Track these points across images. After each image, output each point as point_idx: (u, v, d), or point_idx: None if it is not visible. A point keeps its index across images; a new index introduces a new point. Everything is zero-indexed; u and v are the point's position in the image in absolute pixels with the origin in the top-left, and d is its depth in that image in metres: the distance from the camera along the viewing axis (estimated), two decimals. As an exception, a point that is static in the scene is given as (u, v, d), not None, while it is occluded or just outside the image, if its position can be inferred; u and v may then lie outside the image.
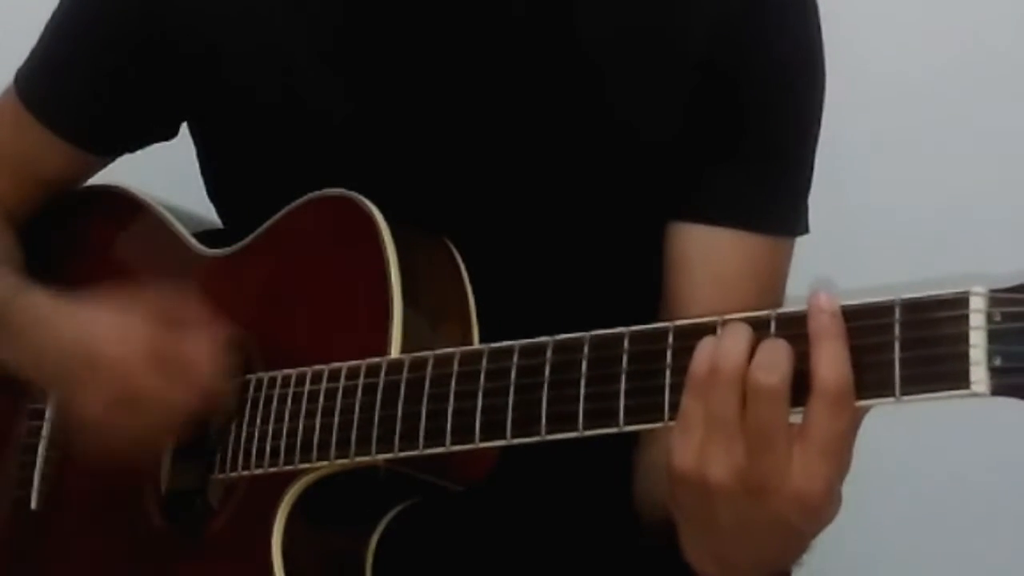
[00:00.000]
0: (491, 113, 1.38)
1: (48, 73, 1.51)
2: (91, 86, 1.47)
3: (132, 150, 1.54)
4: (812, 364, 1.03)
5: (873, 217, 1.97)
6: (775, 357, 1.04)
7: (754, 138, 1.37)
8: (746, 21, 1.35)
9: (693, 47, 1.35)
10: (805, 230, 1.42)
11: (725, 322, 1.09)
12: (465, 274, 1.35)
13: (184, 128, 1.51)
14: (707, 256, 1.37)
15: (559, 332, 1.18)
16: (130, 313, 1.32)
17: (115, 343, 1.31)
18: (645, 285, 1.41)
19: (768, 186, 1.38)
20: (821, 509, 1.05)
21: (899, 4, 1.96)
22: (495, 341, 1.23)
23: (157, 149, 1.54)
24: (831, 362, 1.03)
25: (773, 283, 1.40)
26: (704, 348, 1.06)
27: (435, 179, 1.39)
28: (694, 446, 1.06)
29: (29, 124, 1.50)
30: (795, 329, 1.05)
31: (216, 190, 1.51)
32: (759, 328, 1.07)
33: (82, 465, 1.44)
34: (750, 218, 1.37)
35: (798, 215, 1.41)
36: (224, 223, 1.52)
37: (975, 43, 1.94)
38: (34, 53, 1.52)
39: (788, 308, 1.07)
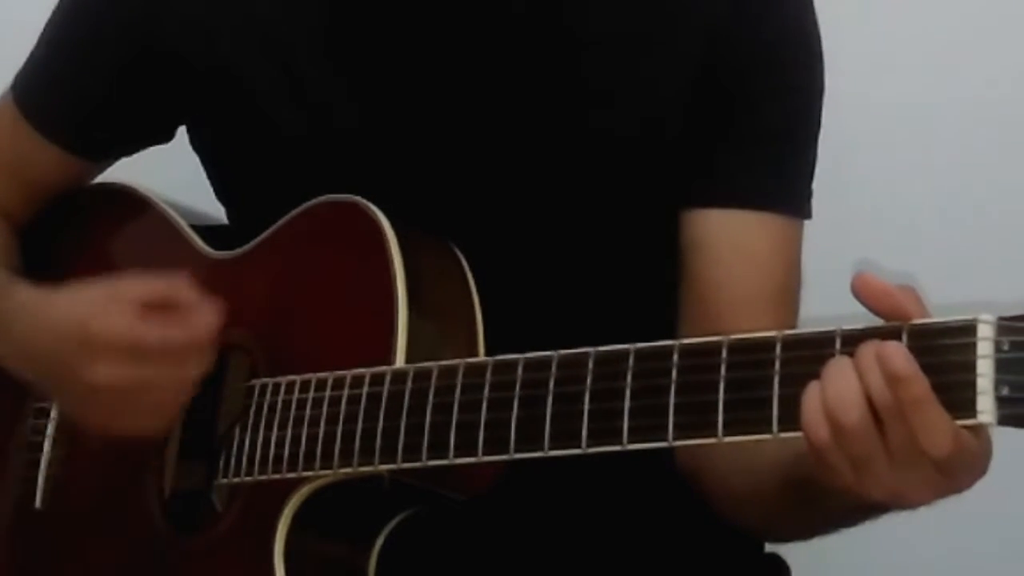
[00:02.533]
0: (493, 112, 1.38)
1: (42, 78, 1.51)
2: (86, 94, 1.47)
3: (128, 155, 1.54)
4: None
5: (877, 235, 1.95)
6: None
7: (760, 120, 1.38)
8: (741, 7, 1.37)
9: (691, 38, 1.37)
10: (810, 215, 1.42)
11: (731, 341, 1.08)
12: (471, 279, 1.34)
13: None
14: (736, 239, 1.38)
15: (565, 334, 1.18)
16: (115, 290, 1.31)
17: (103, 316, 1.29)
18: (649, 285, 1.42)
19: (783, 167, 1.40)
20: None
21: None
22: (501, 345, 1.23)
23: (167, 146, 1.53)
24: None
25: (796, 264, 1.41)
26: (813, 409, 1.05)
27: (438, 177, 1.39)
28: (875, 484, 1.06)
29: (24, 128, 1.50)
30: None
31: (221, 191, 1.50)
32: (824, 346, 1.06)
33: (86, 465, 1.44)
34: (772, 199, 1.38)
35: (808, 198, 1.42)
36: (231, 222, 1.52)
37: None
38: (31, 57, 1.52)
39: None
